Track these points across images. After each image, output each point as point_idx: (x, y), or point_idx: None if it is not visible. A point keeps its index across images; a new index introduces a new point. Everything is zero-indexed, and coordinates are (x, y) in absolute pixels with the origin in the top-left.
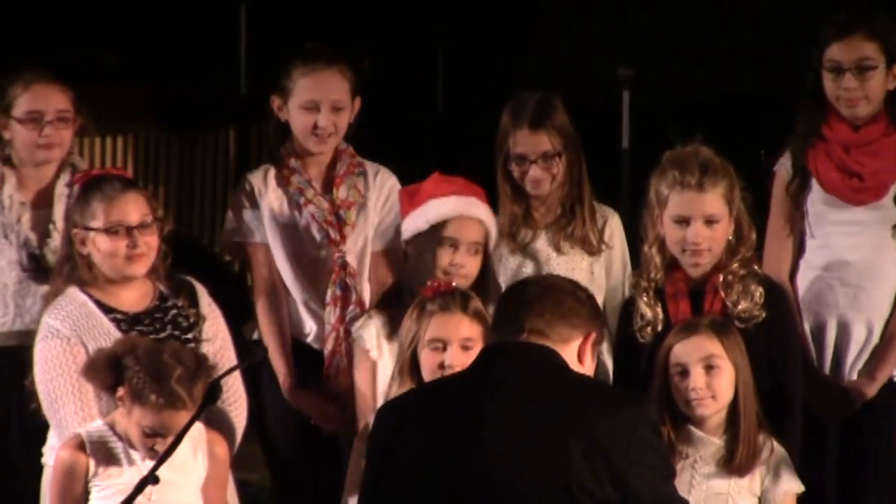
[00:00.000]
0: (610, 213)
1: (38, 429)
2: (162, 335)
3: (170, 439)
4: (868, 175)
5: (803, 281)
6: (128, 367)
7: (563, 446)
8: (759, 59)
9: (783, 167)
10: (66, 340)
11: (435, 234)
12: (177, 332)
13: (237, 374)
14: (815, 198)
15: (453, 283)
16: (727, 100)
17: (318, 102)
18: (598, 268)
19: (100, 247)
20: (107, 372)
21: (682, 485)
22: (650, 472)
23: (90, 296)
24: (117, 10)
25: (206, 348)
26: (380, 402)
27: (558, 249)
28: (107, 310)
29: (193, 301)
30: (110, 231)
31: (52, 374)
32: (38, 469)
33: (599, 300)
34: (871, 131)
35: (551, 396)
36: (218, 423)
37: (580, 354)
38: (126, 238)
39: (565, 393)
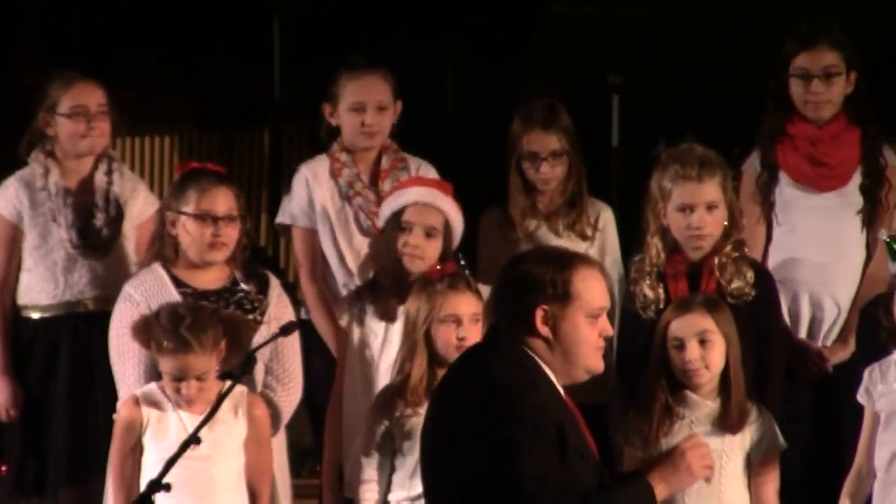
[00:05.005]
0: (603, 207)
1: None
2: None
3: (193, 383)
4: (834, 164)
5: (774, 263)
6: (153, 325)
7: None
8: (733, 65)
9: (751, 165)
10: (136, 305)
11: (396, 220)
12: (238, 312)
13: (297, 355)
14: (784, 188)
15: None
16: (709, 102)
17: (364, 104)
18: (594, 251)
19: (189, 230)
20: (144, 332)
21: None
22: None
23: (169, 272)
24: (166, 24)
25: (263, 330)
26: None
27: (557, 234)
28: (179, 284)
29: (263, 290)
30: (199, 217)
31: (120, 332)
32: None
33: None
34: (834, 127)
35: (452, 395)
36: (271, 397)
37: (536, 329)
38: (212, 226)
39: (457, 393)
